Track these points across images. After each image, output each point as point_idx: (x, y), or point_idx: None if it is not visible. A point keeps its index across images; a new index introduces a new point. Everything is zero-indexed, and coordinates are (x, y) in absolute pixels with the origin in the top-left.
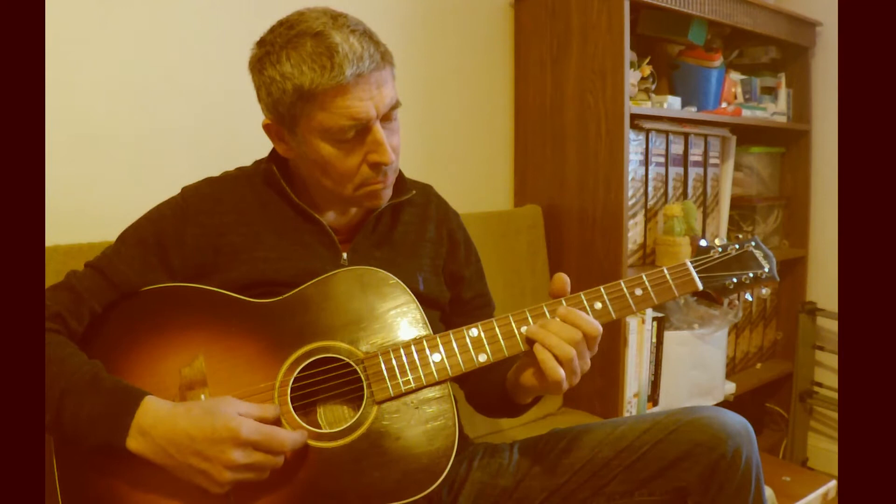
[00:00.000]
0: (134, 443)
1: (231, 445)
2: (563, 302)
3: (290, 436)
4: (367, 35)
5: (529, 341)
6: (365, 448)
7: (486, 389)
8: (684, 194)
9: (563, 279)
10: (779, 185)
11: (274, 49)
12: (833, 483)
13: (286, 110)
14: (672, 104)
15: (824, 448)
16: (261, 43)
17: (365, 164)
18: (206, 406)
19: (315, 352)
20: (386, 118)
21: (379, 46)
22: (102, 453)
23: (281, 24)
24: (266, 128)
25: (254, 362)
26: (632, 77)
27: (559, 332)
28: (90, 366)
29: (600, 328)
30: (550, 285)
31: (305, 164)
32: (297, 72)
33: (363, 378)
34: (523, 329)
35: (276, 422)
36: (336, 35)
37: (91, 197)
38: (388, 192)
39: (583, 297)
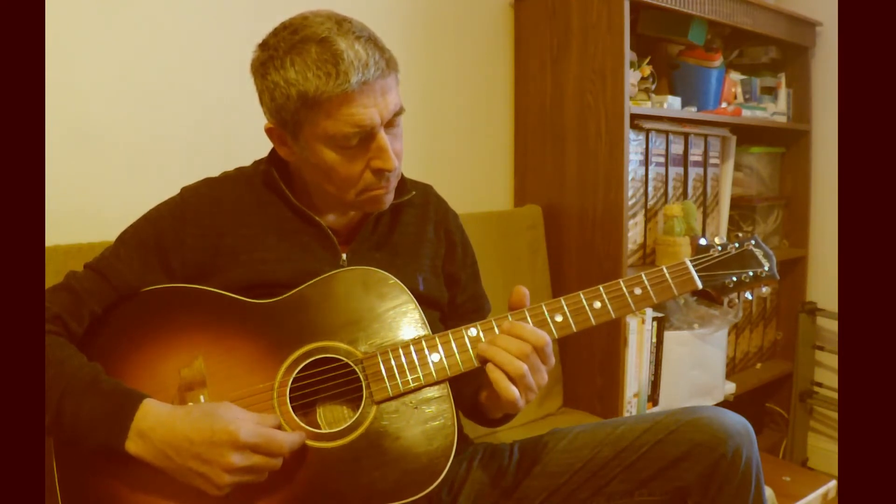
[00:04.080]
0: (133, 445)
1: (230, 448)
2: (555, 305)
3: (288, 438)
4: (373, 41)
5: (482, 360)
6: (364, 448)
7: (462, 401)
8: (684, 194)
9: (522, 292)
10: (779, 185)
11: (278, 54)
12: (833, 483)
13: (290, 116)
14: (672, 104)
15: (824, 448)
16: (264, 46)
17: (368, 170)
18: (206, 409)
19: (314, 352)
20: (389, 124)
21: (384, 53)
22: (102, 455)
23: (285, 27)
24: (268, 132)
25: (253, 363)
26: (632, 77)
27: (508, 347)
28: (90, 368)
29: (547, 338)
30: (509, 297)
31: (308, 169)
32: (301, 78)
33: (362, 378)
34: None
35: (276, 427)
36: (341, 41)
37: (91, 197)
38: (391, 197)
39: (582, 296)
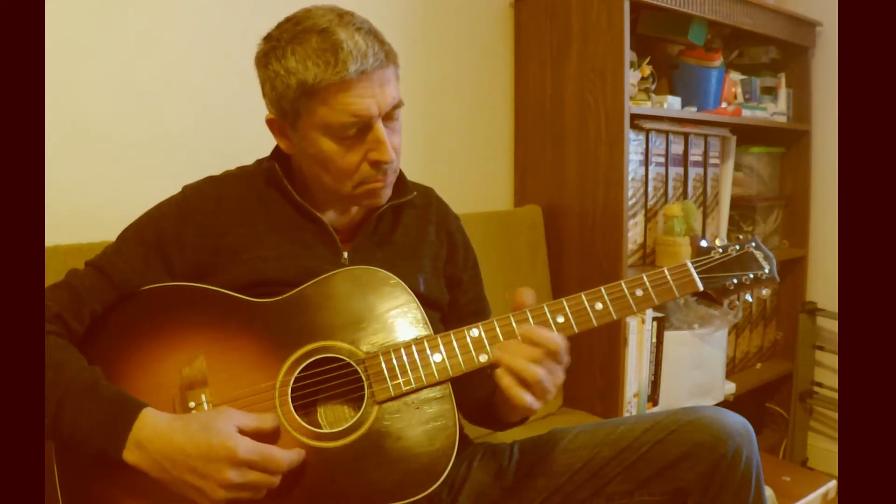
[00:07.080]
0: (130, 455)
1: (226, 465)
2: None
3: (286, 455)
4: (373, 33)
5: (493, 365)
6: (365, 448)
7: (473, 405)
8: (684, 194)
9: (524, 293)
10: (779, 185)
11: (280, 44)
12: (833, 483)
13: (289, 105)
14: (672, 104)
15: (824, 448)
16: (267, 38)
17: (365, 162)
18: (204, 421)
19: (315, 352)
20: (388, 117)
21: (384, 45)
22: (101, 461)
23: (288, 20)
24: (269, 123)
25: (254, 362)
26: (632, 77)
27: (523, 353)
28: (89, 372)
29: (561, 341)
30: (514, 299)
31: (306, 161)
32: (301, 67)
33: (364, 378)
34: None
35: (276, 431)
36: (341, 32)
37: (91, 197)
38: (388, 192)
39: (584, 297)
